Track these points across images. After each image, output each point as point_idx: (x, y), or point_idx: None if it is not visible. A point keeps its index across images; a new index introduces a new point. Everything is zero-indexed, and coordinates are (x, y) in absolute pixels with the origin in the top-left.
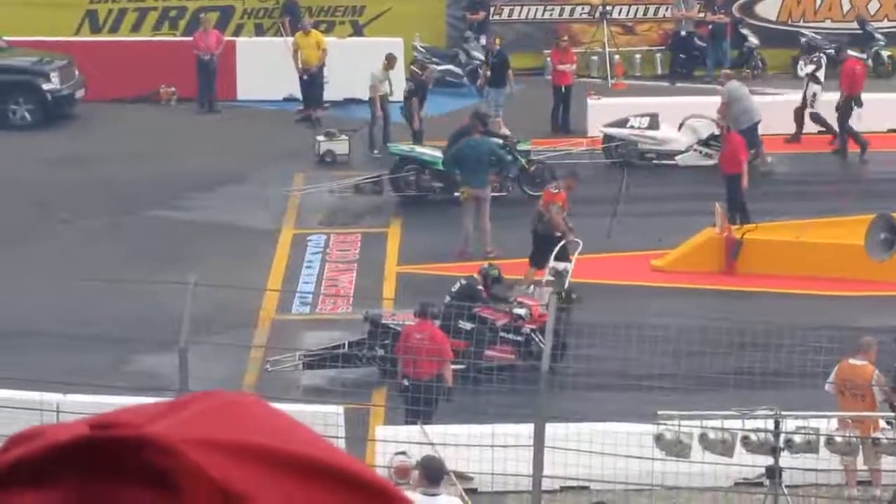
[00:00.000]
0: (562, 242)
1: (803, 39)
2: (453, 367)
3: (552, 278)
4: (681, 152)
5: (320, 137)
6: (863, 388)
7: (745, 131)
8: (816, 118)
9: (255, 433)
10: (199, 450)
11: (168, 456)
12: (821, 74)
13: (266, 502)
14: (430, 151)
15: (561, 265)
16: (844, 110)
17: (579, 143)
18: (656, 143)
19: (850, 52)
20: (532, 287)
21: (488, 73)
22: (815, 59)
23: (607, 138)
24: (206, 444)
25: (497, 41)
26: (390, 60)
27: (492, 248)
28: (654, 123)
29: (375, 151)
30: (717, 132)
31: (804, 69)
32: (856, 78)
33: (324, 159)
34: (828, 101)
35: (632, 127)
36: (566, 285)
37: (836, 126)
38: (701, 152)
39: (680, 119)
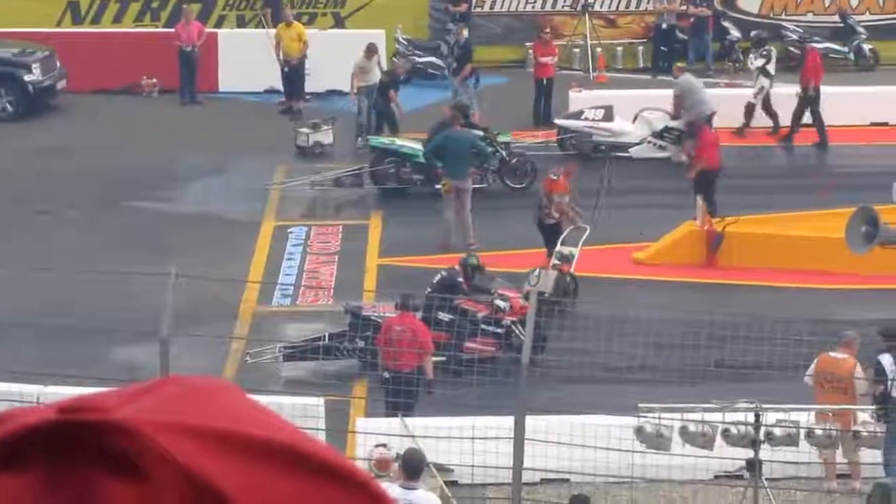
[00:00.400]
0: (569, 229)
1: (753, 33)
2: (434, 359)
3: (558, 262)
4: (635, 144)
5: (305, 129)
6: (844, 382)
7: (698, 121)
8: (749, 112)
9: (222, 418)
10: (166, 434)
11: (134, 440)
12: (770, 68)
13: (231, 486)
14: (411, 144)
15: (567, 249)
16: (815, 101)
17: (535, 136)
18: (610, 135)
19: (812, 44)
20: (538, 271)
21: (454, 64)
22: (764, 52)
23: (562, 130)
24: (173, 428)
25: (463, 31)
26: (371, 50)
27: (473, 240)
28: (608, 115)
29: (359, 140)
30: (671, 125)
31: (755, 63)
32: (819, 69)
33: (313, 150)
34: (778, 93)
35: (586, 119)
36: (571, 269)
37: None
38: (655, 144)
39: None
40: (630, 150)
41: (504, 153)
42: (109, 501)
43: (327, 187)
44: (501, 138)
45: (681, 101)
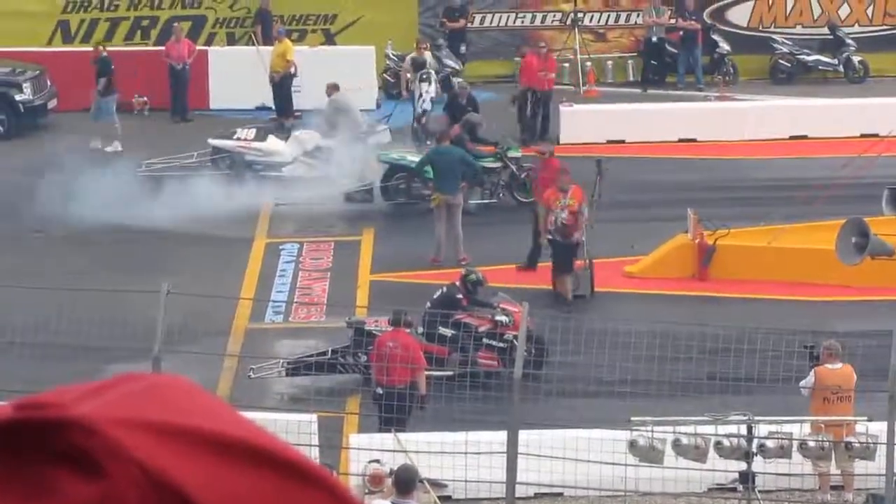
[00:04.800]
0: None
1: (410, 56)
2: (437, 373)
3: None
4: (287, 164)
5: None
6: (850, 390)
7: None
8: (424, 129)
9: (181, 414)
10: (124, 430)
11: (91, 436)
12: (431, 90)
13: (190, 483)
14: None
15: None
16: (526, 103)
17: (190, 156)
18: (262, 155)
19: (528, 48)
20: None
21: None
22: (425, 75)
23: (216, 150)
24: (131, 424)
25: (102, 47)
26: (418, 44)
27: (465, 255)
28: (260, 135)
29: (428, 142)
30: (321, 144)
31: (421, 87)
32: (533, 72)
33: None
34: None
35: (238, 138)
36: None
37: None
38: (306, 163)
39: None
40: (283, 169)
41: (514, 168)
42: (66, 497)
43: (326, 203)
44: (511, 153)
45: (332, 120)
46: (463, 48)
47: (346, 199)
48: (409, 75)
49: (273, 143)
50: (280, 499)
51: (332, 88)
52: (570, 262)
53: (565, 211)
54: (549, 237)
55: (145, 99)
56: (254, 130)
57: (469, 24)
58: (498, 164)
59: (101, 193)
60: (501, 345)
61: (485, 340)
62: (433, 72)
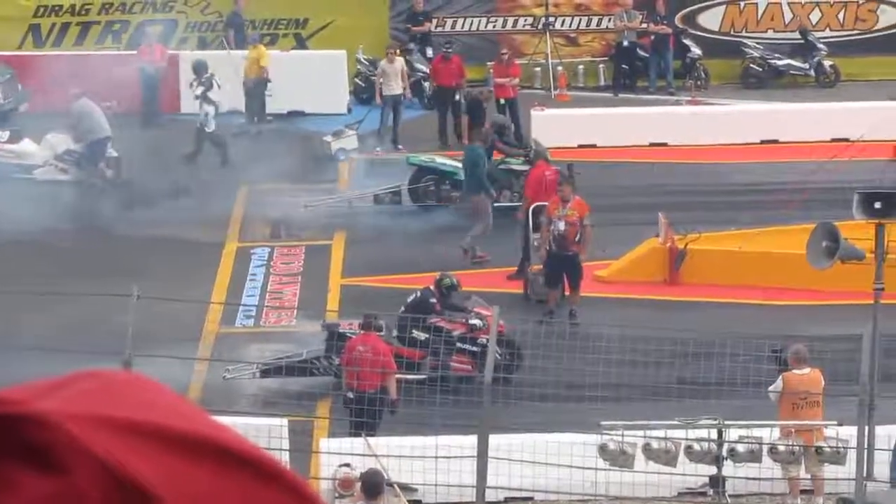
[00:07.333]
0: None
1: (194, 61)
2: (409, 377)
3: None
4: (39, 167)
5: (328, 138)
6: (818, 395)
7: (94, 145)
8: (215, 140)
9: (142, 411)
10: (85, 426)
11: (52, 432)
12: (213, 95)
13: (151, 478)
14: (450, 162)
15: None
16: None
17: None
18: (14, 157)
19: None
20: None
21: None
22: (204, 80)
23: None
24: (92, 420)
25: None
26: (389, 52)
27: (468, 247)
28: (14, 137)
29: (377, 150)
30: (71, 147)
31: (195, 90)
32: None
33: (336, 157)
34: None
35: None
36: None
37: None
38: (56, 167)
39: None
40: (34, 171)
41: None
42: (25, 493)
43: (365, 204)
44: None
45: (76, 125)
46: (430, 52)
47: (375, 201)
48: (381, 80)
49: (26, 145)
50: (241, 495)
51: (75, 96)
52: (560, 277)
53: (562, 221)
54: (547, 247)
55: (117, 102)
56: (8, 132)
57: (440, 28)
58: (527, 168)
59: None
60: (475, 349)
61: (458, 344)
62: (215, 76)
